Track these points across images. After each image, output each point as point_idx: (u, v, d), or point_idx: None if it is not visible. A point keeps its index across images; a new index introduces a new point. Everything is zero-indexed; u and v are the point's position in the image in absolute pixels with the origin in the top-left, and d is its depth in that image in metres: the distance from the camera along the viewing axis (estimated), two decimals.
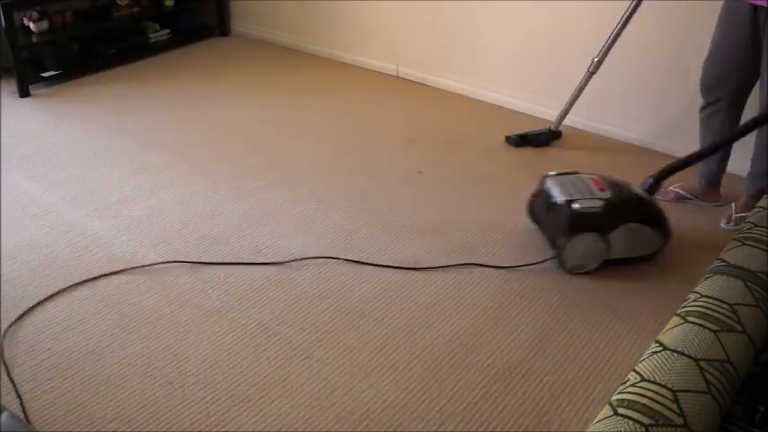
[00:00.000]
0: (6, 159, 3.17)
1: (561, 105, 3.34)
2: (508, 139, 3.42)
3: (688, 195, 3.01)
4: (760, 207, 1.86)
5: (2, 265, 2.47)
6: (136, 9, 4.36)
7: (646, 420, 1.12)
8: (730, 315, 1.39)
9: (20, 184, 2.99)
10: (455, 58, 3.91)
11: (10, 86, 3.86)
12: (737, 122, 2.79)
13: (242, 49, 4.61)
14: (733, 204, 2.86)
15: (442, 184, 3.06)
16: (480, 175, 3.10)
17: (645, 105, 3.36)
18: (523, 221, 2.77)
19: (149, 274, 2.44)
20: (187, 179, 3.05)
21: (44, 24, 3.94)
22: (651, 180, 2.48)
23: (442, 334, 2.20)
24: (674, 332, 1.35)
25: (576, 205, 2.38)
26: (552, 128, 3.40)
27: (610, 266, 2.52)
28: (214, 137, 3.45)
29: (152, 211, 2.81)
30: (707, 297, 1.45)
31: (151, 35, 4.50)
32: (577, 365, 2.10)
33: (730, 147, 2.84)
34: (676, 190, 3.01)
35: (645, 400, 1.16)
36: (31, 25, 3.90)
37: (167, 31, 4.57)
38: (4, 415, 1.29)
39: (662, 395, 1.18)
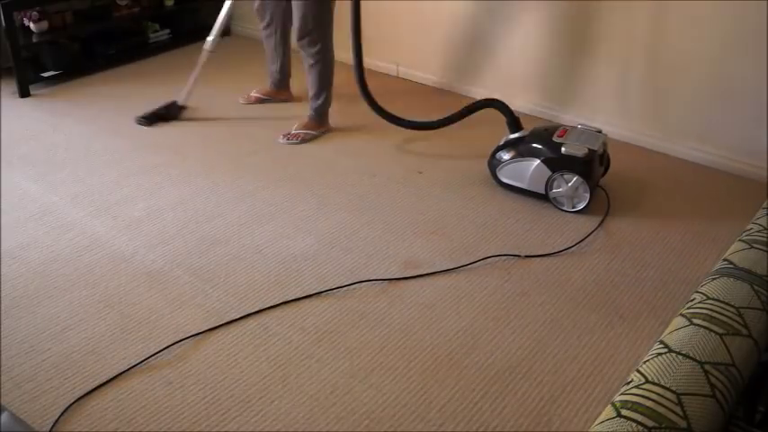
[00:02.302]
0: (6, 159, 3.17)
1: (557, 106, 3.32)
2: (139, 121, 3.54)
3: (264, 97, 3.77)
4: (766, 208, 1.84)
5: (2, 265, 2.47)
6: (136, 9, 4.35)
7: (649, 423, 1.12)
8: (736, 318, 1.38)
9: (20, 184, 2.99)
10: (455, 58, 3.91)
11: (10, 86, 3.85)
12: (286, 42, 3.52)
13: (242, 49, 4.60)
14: (296, 124, 3.43)
15: (442, 183, 3.06)
16: (481, 175, 3.10)
17: None
18: (524, 219, 2.77)
19: (150, 274, 2.44)
20: (187, 179, 3.05)
21: (44, 24, 3.93)
22: None
23: (442, 334, 2.20)
24: (679, 334, 1.34)
25: None
26: (179, 102, 3.64)
27: (611, 264, 2.53)
28: (214, 137, 3.45)
29: (152, 211, 2.81)
30: (713, 299, 1.44)
31: (151, 35, 4.49)
32: (577, 365, 2.10)
33: (287, 62, 3.66)
34: (256, 94, 3.78)
35: (648, 403, 1.16)
36: (31, 25, 3.90)
37: (167, 31, 4.56)
38: (4, 415, 1.29)
39: (666, 398, 1.17)
